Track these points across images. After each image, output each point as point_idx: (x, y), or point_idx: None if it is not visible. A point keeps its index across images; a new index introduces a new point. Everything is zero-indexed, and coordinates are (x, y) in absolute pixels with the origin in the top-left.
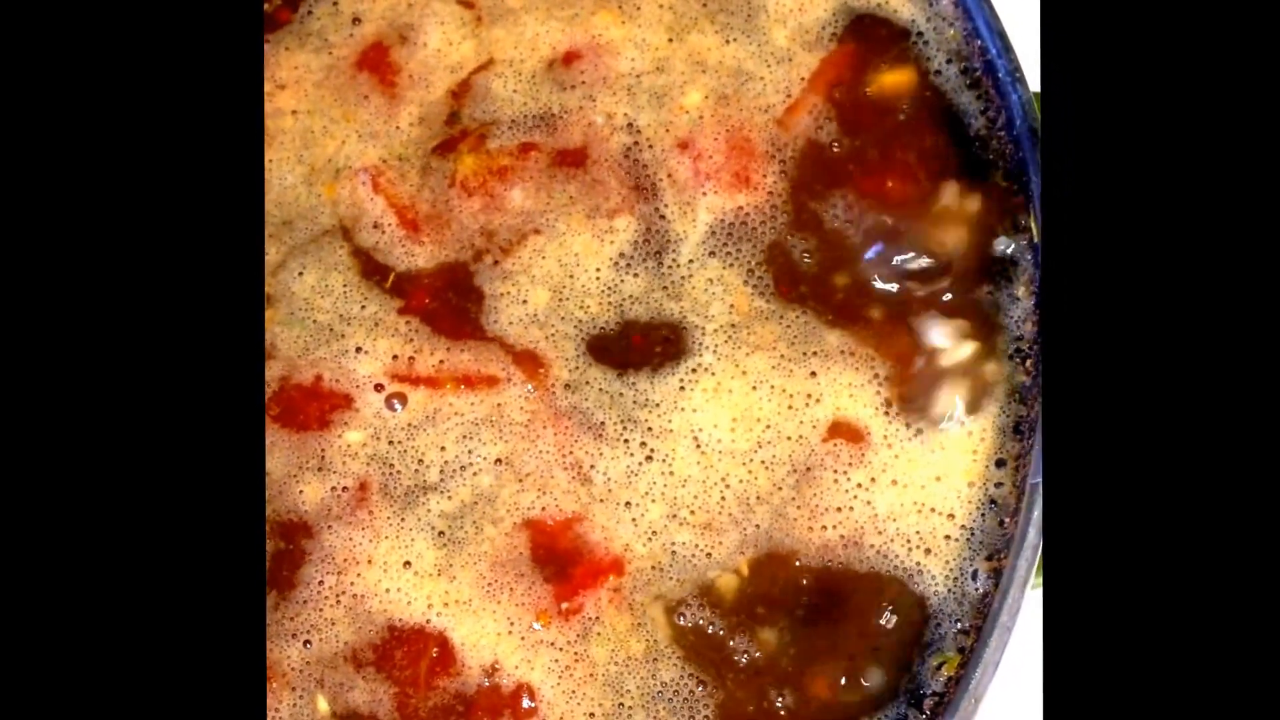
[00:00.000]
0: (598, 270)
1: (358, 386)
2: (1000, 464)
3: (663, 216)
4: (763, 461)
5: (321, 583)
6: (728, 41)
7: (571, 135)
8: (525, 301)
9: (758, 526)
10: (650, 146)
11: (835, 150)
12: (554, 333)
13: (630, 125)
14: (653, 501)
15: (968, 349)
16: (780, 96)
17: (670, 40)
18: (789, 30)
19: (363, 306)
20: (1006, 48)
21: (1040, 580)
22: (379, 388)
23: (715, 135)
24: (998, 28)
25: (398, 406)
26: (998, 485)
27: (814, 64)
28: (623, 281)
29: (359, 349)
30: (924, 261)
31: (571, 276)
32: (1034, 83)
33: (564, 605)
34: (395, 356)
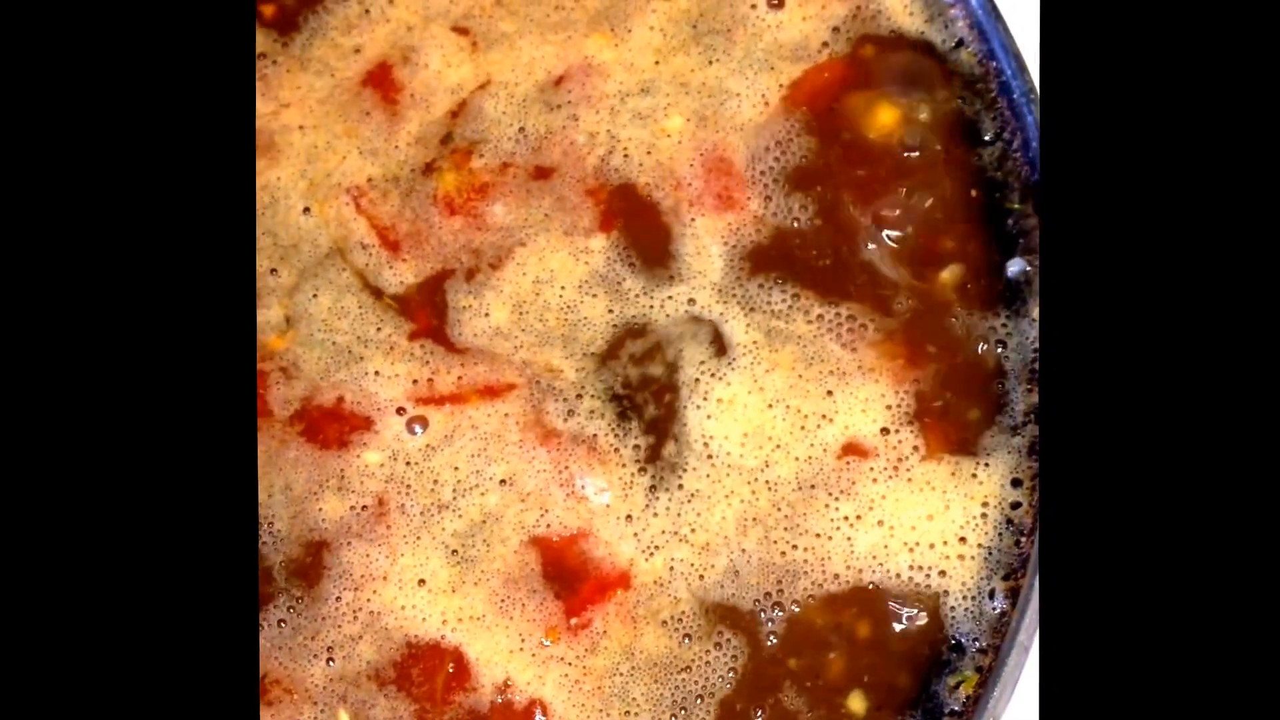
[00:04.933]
0: (579, 285)
1: (379, 409)
2: (1016, 484)
3: (647, 235)
4: (767, 482)
5: (339, 599)
6: (710, 62)
7: (552, 154)
8: (486, 315)
9: (744, 550)
10: (629, 167)
11: (827, 160)
12: (552, 344)
13: (612, 146)
14: (654, 516)
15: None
16: (758, 105)
17: (657, 63)
18: (765, 44)
19: (378, 329)
20: (1021, 69)
21: None
22: (400, 411)
23: (692, 161)
24: (1013, 49)
25: (418, 430)
26: (1014, 506)
27: (797, 74)
28: (614, 296)
29: (377, 373)
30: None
31: (544, 288)
32: None
33: (573, 621)
34: (415, 381)
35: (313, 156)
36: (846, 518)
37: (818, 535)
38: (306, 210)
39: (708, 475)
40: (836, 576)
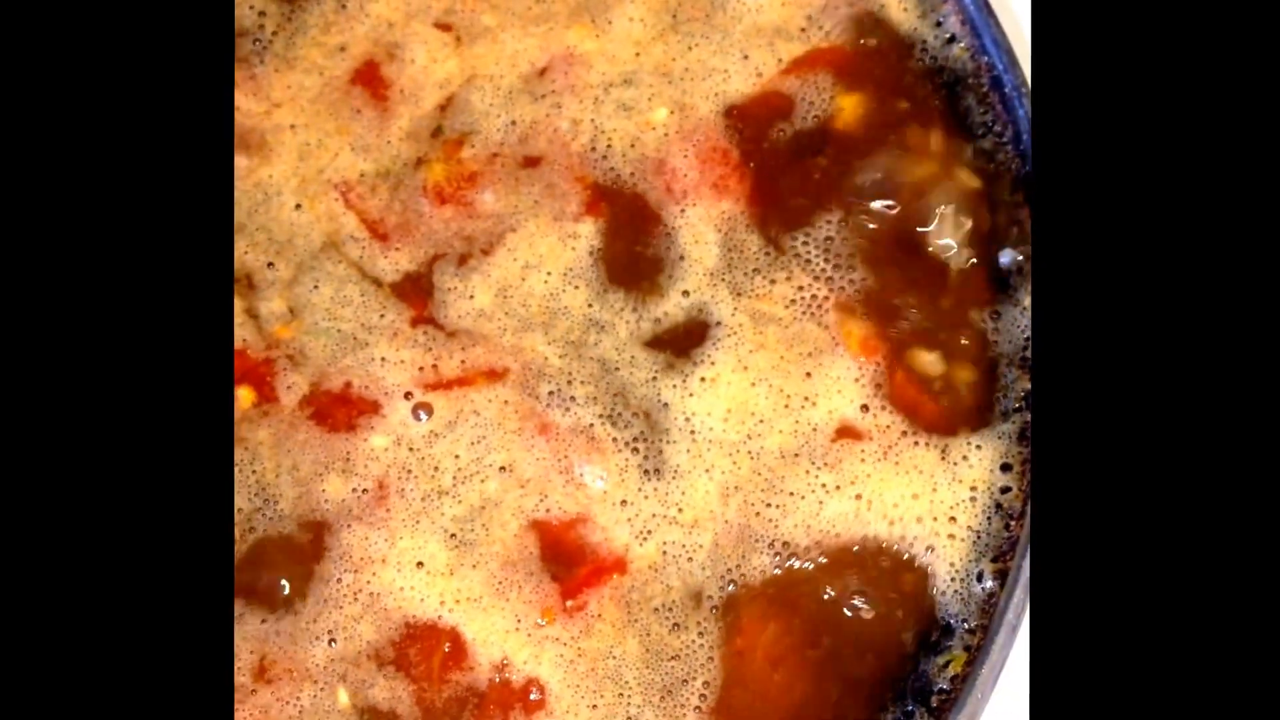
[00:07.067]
0: (564, 272)
1: (386, 394)
2: (1006, 468)
3: (634, 222)
4: (749, 452)
5: (340, 580)
6: (690, 48)
7: (539, 143)
8: (471, 298)
9: (727, 522)
10: (614, 159)
11: (816, 144)
12: (533, 330)
13: (596, 135)
14: (645, 499)
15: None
16: (750, 78)
17: (638, 54)
18: (744, 26)
19: (381, 315)
20: (1013, 63)
21: None
22: (408, 395)
23: (684, 153)
24: (1004, 44)
25: (423, 416)
26: (1004, 490)
27: (797, 51)
28: (595, 284)
29: (384, 359)
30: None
31: (531, 273)
32: None
33: (569, 603)
34: (421, 368)
35: (305, 154)
36: (825, 485)
37: (791, 494)
38: (298, 206)
39: (688, 451)
40: (813, 543)
